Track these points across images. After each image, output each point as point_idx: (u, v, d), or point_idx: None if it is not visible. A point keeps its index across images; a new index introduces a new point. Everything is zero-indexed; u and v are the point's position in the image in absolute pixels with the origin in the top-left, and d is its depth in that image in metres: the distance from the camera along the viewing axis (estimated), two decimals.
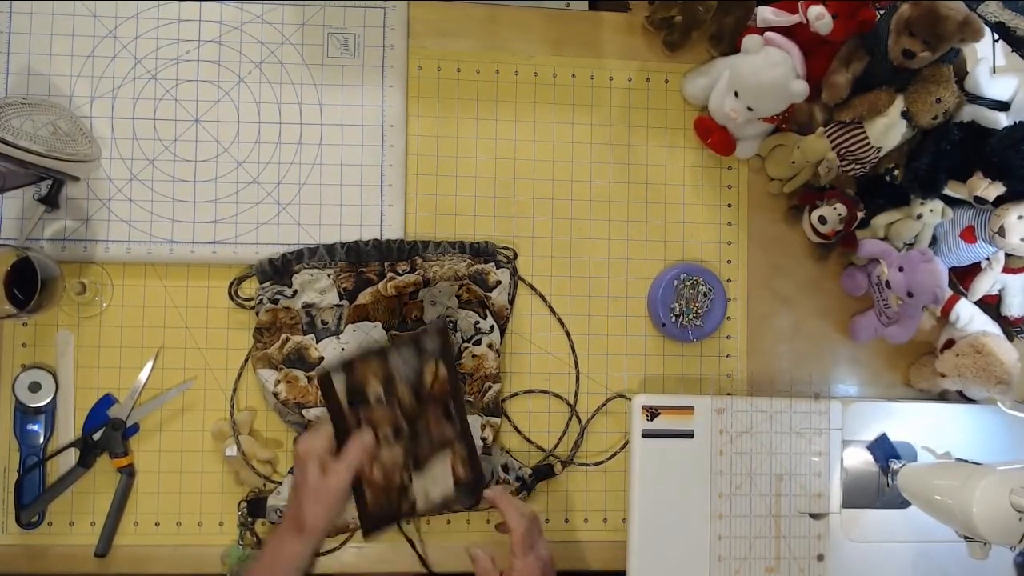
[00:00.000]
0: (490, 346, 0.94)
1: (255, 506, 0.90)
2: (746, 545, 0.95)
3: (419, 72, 0.98)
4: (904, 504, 0.96)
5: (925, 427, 1.00)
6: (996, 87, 0.92)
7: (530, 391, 0.97)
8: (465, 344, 0.93)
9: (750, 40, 0.90)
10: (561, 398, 0.98)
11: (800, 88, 0.89)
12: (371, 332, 0.92)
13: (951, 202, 0.97)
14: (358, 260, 0.92)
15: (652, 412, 0.94)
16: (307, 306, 0.91)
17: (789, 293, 1.03)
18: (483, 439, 0.92)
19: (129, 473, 0.90)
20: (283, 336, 0.90)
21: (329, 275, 0.92)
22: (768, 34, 0.91)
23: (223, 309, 0.93)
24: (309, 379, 0.90)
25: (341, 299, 0.91)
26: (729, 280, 1.02)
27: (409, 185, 0.97)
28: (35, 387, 0.89)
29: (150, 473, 0.92)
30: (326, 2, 0.96)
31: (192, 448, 0.92)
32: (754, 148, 1.00)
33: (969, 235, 0.96)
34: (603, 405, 0.98)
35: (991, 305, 1.01)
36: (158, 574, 0.91)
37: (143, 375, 0.91)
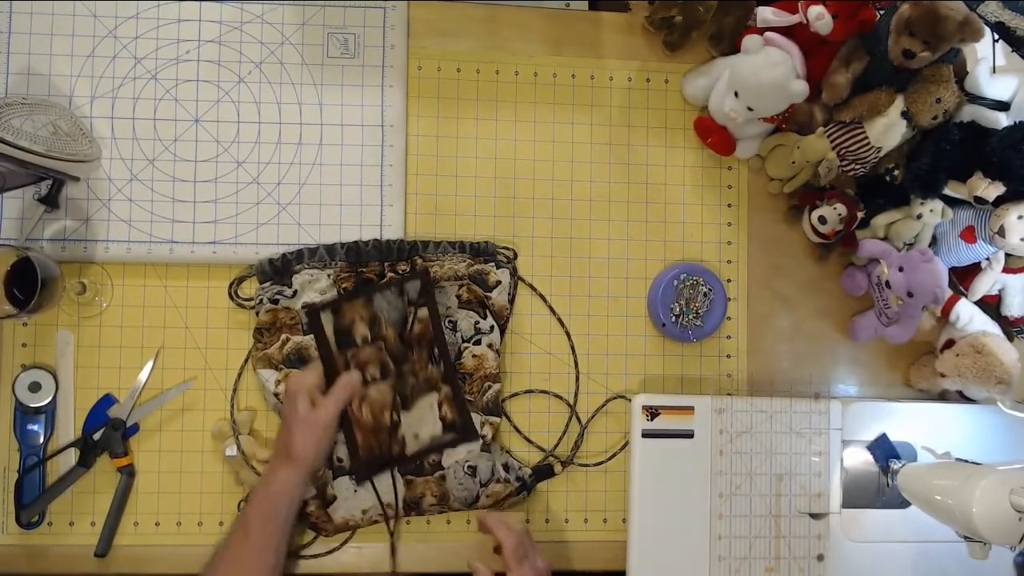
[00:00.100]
0: (490, 346, 0.94)
1: None
2: (746, 545, 0.95)
3: (419, 72, 0.98)
4: (904, 504, 0.96)
5: (925, 427, 1.00)
6: (996, 87, 0.92)
7: (530, 391, 0.97)
8: (465, 344, 0.94)
9: (750, 40, 0.90)
10: (561, 398, 0.98)
11: (800, 88, 0.89)
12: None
13: (951, 202, 0.97)
14: (358, 260, 0.92)
15: (652, 412, 0.94)
16: (307, 306, 0.91)
17: (789, 293, 1.03)
18: (483, 436, 0.92)
19: (129, 473, 0.90)
20: (283, 336, 0.90)
21: (329, 275, 0.92)
22: (768, 34, 0.91)
23: (223, 309, 0.93)
24: None
25: None
26: (729, 280, 1.02)
27: (409, 185, 0.97)
28: (35, 387, 0.89)
29: (150, 473, 0.92)
30: (326, 2, 0.96)
31: (192, 448, 0.92)
32: (754, 148, 1.00)
33: (969, 235, 0.96)
34: (603, 405, 0.98)
35: (991, 305, 1.01)
36: (158, 574, 0.91)
37: (143, 375, 0.91)
